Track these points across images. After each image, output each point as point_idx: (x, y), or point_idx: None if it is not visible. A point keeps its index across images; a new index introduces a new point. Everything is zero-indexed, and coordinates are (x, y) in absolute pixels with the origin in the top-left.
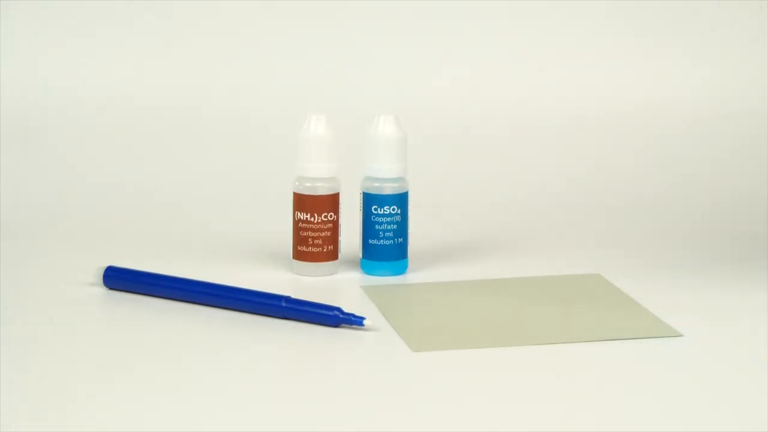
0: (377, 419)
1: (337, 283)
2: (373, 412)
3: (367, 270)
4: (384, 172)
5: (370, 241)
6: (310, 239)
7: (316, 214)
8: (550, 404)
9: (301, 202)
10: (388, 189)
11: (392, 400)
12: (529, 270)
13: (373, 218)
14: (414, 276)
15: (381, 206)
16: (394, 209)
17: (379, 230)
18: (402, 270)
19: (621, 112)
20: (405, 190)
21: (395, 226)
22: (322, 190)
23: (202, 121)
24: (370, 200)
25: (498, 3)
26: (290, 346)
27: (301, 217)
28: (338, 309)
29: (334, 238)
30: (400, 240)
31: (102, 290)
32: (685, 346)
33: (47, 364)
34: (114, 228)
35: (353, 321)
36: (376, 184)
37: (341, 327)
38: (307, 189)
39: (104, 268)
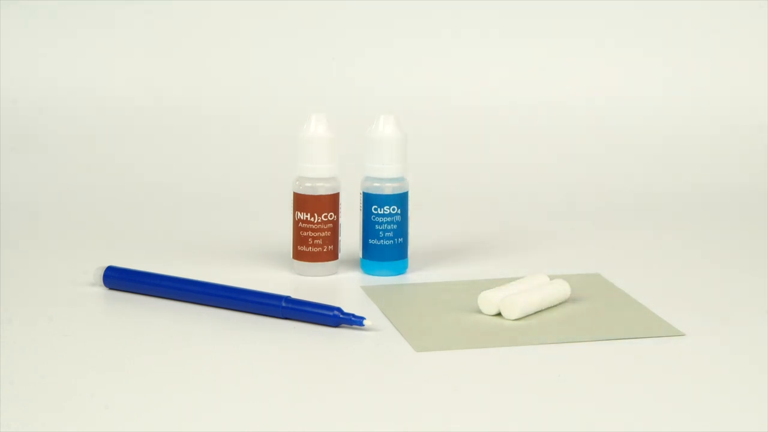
0: (379, 419)
1: (337, 283)
2: (374, 412)
3: (367, 270)
4: (384, 172)
5: (370, 241)
6: (310, 239)
7: (316, 214)
8: (551, 404)
9: (301, 202)
10: (388, 189)
11: (393, 399)
12: (529, 270)
13: (373, 218)
14: (414, 276)
15: (381, 206)
16: (394, 209)
17: (379, 230)
18: (402, 270)
19: (620, 111)
20: (405, 190)
21: (395, 226)
22: (322, 190)
23: (202, 121)
24: (370, 200)
25: (498, 3)
26: (290, 346)
27: (301, 217)
28: (338, 309)
29: (334, 238)
30: (400, 240)
31: (102, 290)
32: (687, 345)
33: (47, 364)
34: (114, 228)
35: (353, 321)
36: (376, 184)
37: (341, 327)
38: (307, 189)
39: (104, 268)
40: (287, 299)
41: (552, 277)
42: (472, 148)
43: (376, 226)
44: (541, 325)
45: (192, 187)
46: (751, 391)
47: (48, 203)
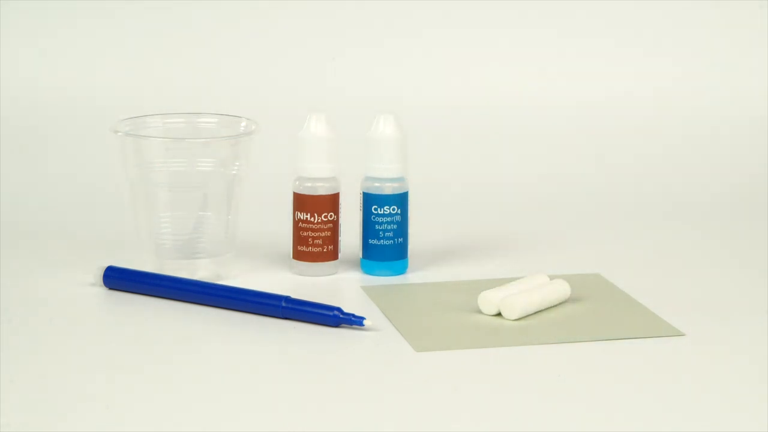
0: (379, 419)
1: (337, 283)
2: (374, 412)
3: (367, 270)
4: (384, 172)
5: (370, 241)
6: (310, 239)
7: (316, 214)
8: (551, 404)
9: (301, 202)
10: (388, 189)
11: (393, 399)
12: (529, 270)
13: (373, 218)
14: (414, 276)
15: (381, 206)
16: (394, 209)
17: (379, 230)
18: (402, 270)
19: (620, 111)
20: (405, 190)
21: (395, 226)
22: (322, 190)
23: None
24: (370, 200)
25: (498, 3)
26: (290, 346)
27: (301, 217)
28: (338, 309)
29: (334, 238)
30: (400, 240)
31: (102, 290)
32: (686, 345)
33: (47, 364)
34: (114, 228)
35: (353, 321)
36: (376, 184)
37: (341, 327)
38: (307, 189)
39: (104, 268)
40: (287, 299)
41: (552, 277)
42: (472, 147)
43: (376, 226)
44: (541, 325)
45: None
46: (751, 391)
47: (48, 203)
